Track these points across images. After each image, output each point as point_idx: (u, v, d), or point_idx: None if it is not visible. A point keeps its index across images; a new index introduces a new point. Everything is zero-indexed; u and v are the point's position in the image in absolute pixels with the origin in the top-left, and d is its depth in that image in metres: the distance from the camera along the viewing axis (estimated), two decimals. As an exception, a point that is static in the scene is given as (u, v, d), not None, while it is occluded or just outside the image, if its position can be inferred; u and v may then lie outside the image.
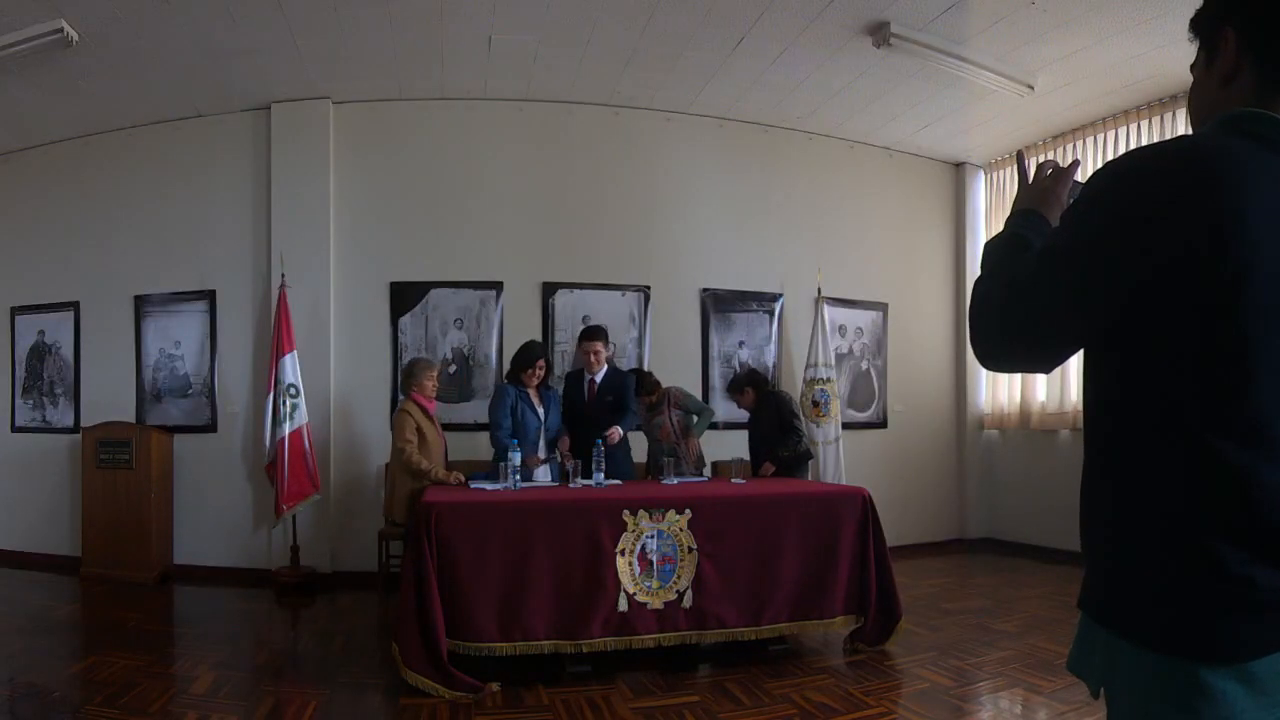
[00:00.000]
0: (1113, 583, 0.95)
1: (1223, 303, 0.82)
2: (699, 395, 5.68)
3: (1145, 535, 0.90)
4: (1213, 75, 0.96)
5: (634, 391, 4.55)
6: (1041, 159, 1.14)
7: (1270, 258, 0.81)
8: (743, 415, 5.05)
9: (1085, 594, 0.99)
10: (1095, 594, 0.97)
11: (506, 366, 4.69)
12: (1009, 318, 0.95)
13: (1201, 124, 0.99)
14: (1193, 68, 1.01)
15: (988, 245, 1.07)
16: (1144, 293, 0.85)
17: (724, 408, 5.57)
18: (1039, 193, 1.09)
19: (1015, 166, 1.19)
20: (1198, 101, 1.00)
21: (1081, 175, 1.09)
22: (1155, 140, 5.21)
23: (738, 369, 5.82)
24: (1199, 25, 0.99)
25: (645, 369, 5.18)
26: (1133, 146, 5.28)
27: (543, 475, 4.19)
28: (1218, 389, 0.84)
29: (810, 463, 5.08)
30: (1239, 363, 0.84)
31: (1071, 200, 1.06)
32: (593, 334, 4.42)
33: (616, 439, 4.24)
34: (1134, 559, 0.92)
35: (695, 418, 4.75)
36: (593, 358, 4.36)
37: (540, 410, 4.22)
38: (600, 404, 4.35)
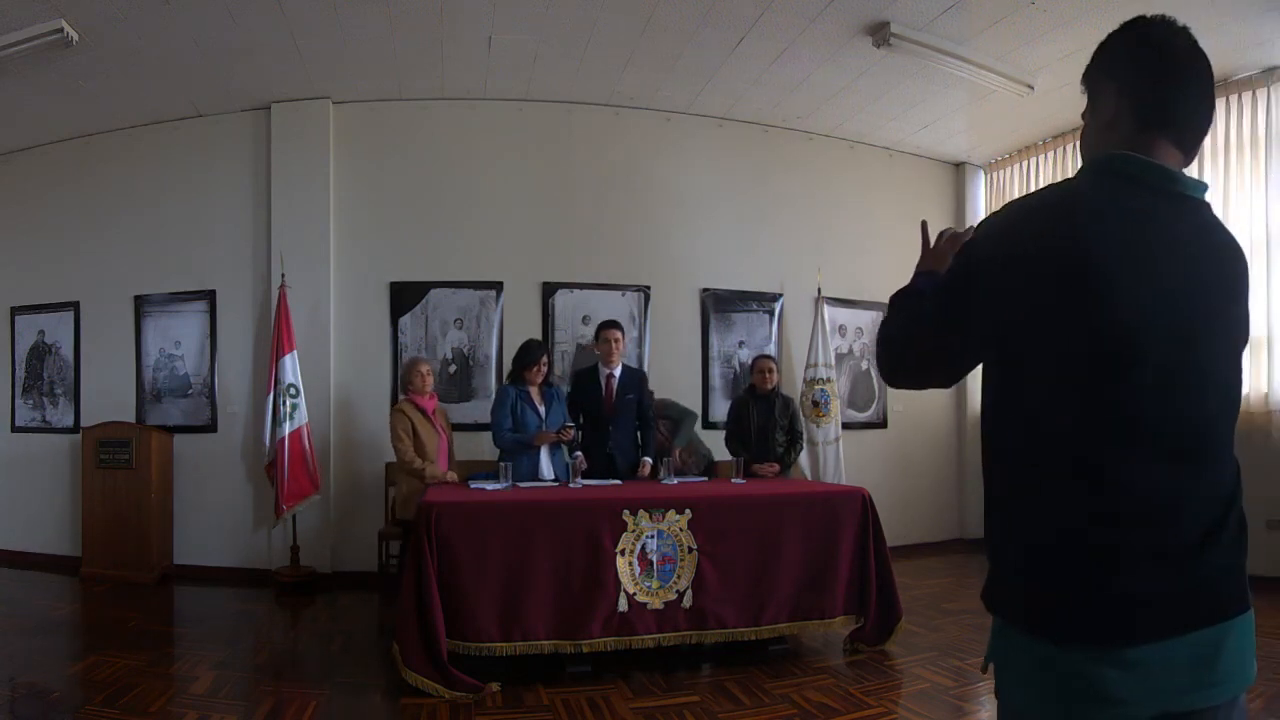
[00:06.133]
0: (1000, 575, 1.06)
1: (1083, 328, 0.94)
2: (698, 396, 5.70)
3: (1025, 532, 1.01)
4: (1097, 121, 1.10)
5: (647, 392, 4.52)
6: (945, 227, 1.33)
7: (1127, 288, 0.93)
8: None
9: (984, 586, 1.11)
10: (989, 585, 1.09)
11: (507, 366, 4.70)
12: (907, 347, 1.12)
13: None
14: (1083, 115, 1.14)
15: (892, 297, 1.21)
16: (1017, 319, 0.98)
17: (719, 408, 5.58)
18: (938, 255, 1.24)
19: (920, 234, 1.38)
20: (1085, 144, 1.14)
21: None
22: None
23: (737, 369, 5.83)
24: (1087, 79, 1.13)
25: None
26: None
27: (546, 470, 4.19)
28: (1083, 400, 0.95)
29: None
30: (1101, 377, 0.94)
31: None
32: (613, 322, 4.39)
33: (647, 471, 4.24)
34: (1017, 554, 1.03)
35: (679, 426, 4.77)
36: (614, 345, 4.29)
37: (541, 408, 4.23)
38: (623, 403, 4.30)
